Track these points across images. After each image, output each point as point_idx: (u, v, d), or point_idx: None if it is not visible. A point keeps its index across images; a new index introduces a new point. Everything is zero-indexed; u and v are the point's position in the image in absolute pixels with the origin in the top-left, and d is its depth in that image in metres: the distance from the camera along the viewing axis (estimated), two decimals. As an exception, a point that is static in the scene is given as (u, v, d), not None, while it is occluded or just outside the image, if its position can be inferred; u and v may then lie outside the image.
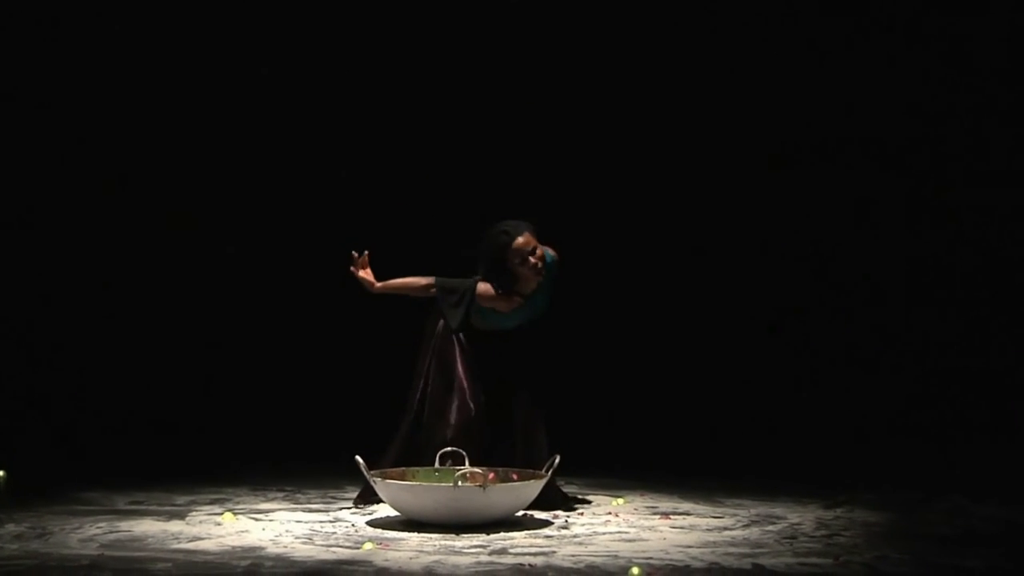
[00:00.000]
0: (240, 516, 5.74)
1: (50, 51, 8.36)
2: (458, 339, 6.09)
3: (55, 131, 8.38)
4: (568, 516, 5.83)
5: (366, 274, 6.15)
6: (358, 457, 5.59)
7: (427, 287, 6.09)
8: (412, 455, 5.98)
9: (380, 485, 5.58)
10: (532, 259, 5.93)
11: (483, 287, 6.01)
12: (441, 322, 6.10)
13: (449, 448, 5.88)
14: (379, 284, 6.14)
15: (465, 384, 6.04)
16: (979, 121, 8.18)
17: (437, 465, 5.86)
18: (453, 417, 5.99)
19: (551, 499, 5.91)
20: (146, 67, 8.47)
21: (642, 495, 6.44)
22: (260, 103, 8.57)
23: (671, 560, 4.88)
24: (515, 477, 5.80)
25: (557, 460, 5.73)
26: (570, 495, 6.23)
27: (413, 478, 5.80)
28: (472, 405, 6.00)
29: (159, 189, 8.55)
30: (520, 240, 5.93)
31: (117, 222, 8.52)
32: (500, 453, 5.99)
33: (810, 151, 8.45)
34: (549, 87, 8.50)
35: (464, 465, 5.78)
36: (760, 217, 8.56)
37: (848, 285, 8.50)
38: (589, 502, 6.21)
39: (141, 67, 8.46)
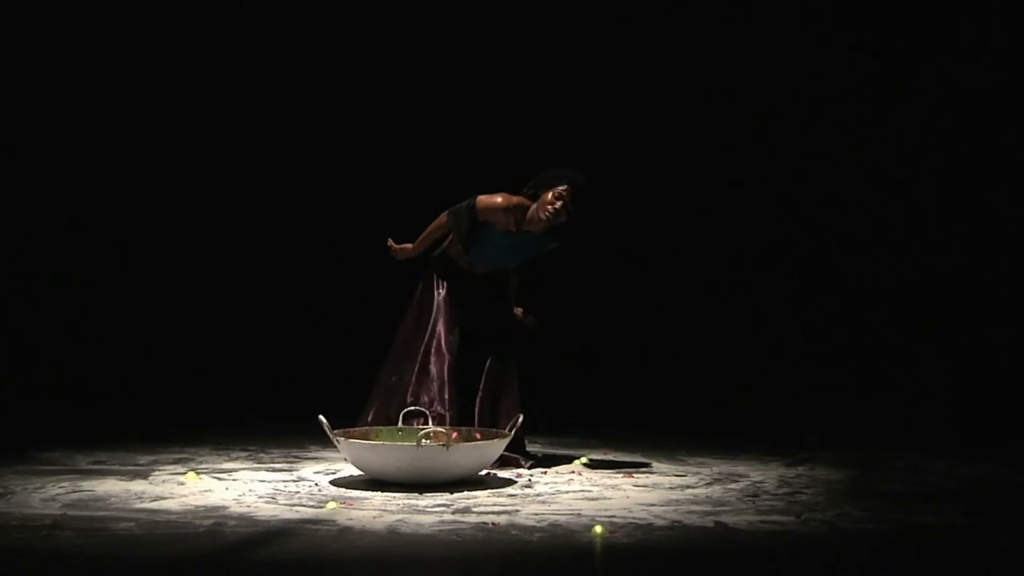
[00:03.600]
0: (203, 476, 5.73)
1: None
2: (439, 290, 6.15)
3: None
4: (531, 475, 5.85)
5: (402, 249, 6.25)
6: (321, 416, 5.59)
7: (445, 222, 6.14)
8: (385, 401, 6.04)
9: (343, 444, 5.58)
10: (553, 206, 5.95)
11: (483, 198, 6.05)
12: (423, 283, 6.18)
13: (412, 407, 5.90)
14: (412, 245, 6.23)
15: (440, 329, 6.09)
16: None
17: (401, 424, 5.87)
18: (419, 359, 6.04)
19: (510, 459, 5.95)
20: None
21: (605, 453, 6.47)
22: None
23: (634, 518, 4.91)
24: (478, 436, 5.82)
25: (521, 419, 5.76)
26: (532, 453, 6.26)
27: (376, 437, 5.80)
28: (445, 350, 6.05)
29: (117, 158, 8.55)
30: (563, 188, 5.95)
31: (72, 189, 8.49)
32: (468, 408, 6.04)
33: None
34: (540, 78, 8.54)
35: (427, 424, 5.79)
36: (723, 185, 8.61)
37: (804, 243, 8.55)
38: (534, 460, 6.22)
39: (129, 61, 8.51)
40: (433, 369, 6.01)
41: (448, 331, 6.08)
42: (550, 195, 5.96)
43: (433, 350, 6.04)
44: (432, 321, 6.09)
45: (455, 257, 6.17)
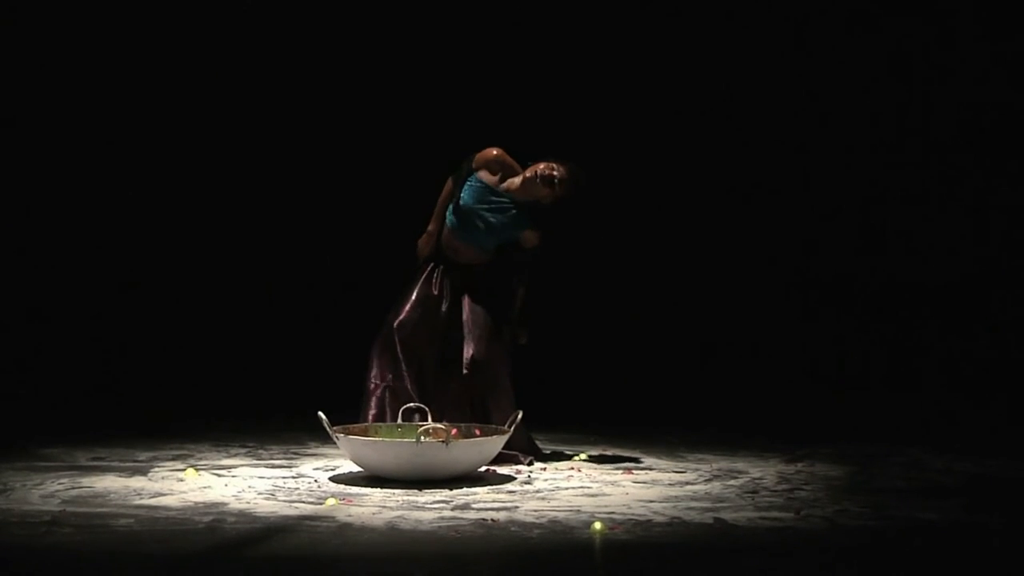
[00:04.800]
0: (202, 472, 5.73)
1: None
2: (420, 277, 6.16)
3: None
4: (531, 471, 5.85)
5: (425, 240, 6.25)
6: (320, 413, 5.59)
7: (451, 186, 6.18)
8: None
9: (342, 441, 5.58)
10: (542, 172, 5.97)
11: (482, 152, 6.10)
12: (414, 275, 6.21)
13: (413, 404, 5.90)
14: (431, 224, 6.23)
15: (403, 308, 6.11)
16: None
17: (400, 421, 5.87)
18: (380, 339, 6.09)
19: (519, 446, 5.96)
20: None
21: (604, 450, 6.46)
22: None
23: (633, 515, 4.91)
24: (478, 433, 5.81)
25: (520, 415, 5.76)
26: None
27: (376, 434, 5.80)
28: (396, 327, 6.07)
29: (122, 156, 8.57)
30: (562, 172, 5.98)
31: (72, 186, 8.49)
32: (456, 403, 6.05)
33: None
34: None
35: (428, 421, 5.79)
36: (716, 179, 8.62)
37: (805, 240, 8.55)
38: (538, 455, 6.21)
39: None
40: (390, 346, 6.05)
41: (411, 309, 6.11)
42: (544, 165, 6.00)
43: (386, 328, 6.09)
44: (400, 303, 6.13)
45: (443, 246, 6.17)
